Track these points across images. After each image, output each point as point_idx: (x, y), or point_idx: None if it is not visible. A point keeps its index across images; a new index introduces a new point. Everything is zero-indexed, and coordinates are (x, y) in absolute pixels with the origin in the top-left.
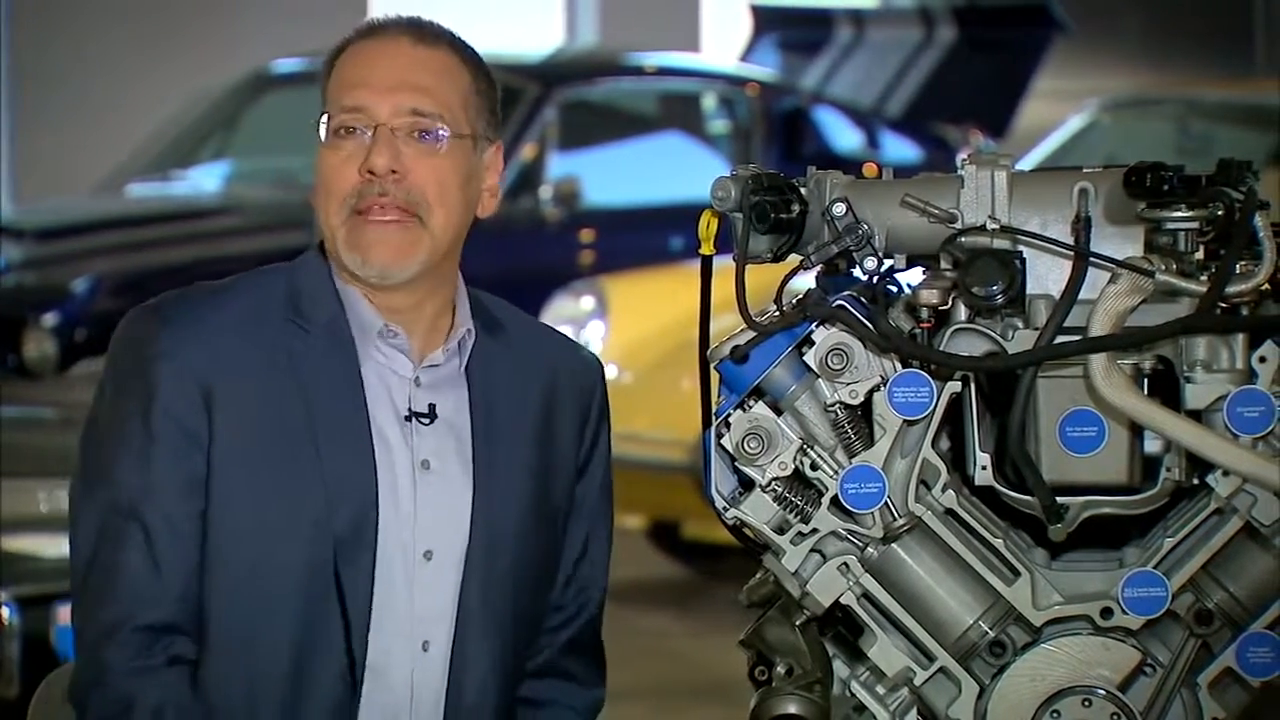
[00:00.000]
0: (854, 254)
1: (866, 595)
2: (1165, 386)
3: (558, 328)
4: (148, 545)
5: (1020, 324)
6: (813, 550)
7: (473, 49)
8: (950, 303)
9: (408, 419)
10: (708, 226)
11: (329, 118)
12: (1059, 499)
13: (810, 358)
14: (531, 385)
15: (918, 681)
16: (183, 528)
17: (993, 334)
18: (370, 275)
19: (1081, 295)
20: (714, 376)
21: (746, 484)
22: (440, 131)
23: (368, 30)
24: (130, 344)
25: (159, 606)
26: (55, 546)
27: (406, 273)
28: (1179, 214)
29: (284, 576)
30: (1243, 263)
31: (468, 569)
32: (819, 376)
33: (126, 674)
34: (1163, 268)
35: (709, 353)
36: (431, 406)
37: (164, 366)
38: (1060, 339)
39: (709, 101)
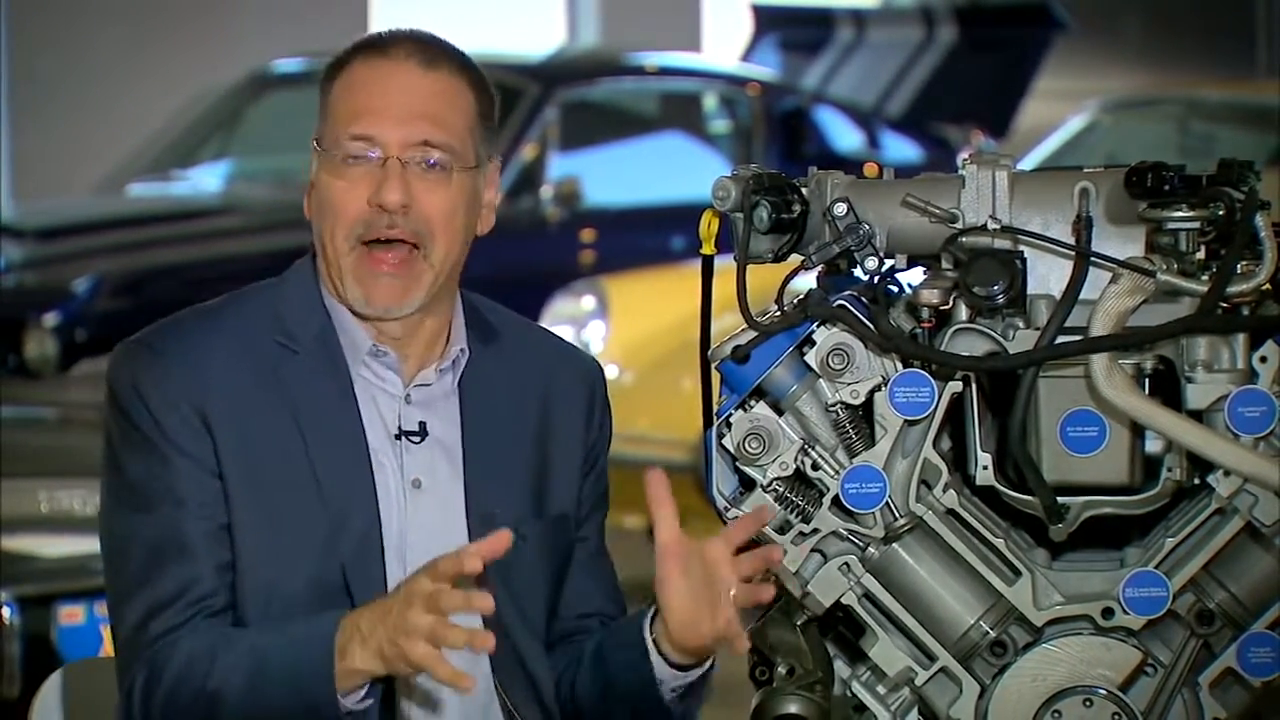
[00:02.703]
0: (855, 254)
1: (867, 595)
2: (1166, 386)
3: (558, 328)
4: (196, 566)
5: (1021, 324)
6: (814, 550)
7: (472, 63)
8: (951, 303)
9: (398, 437)
10: (708, 226)
11: (334, 141)
12: (1060, 499)
13: (811, 358)
14: (528, 394)
15: (919, 681)
16: (216, 533)
17: (994, 334)
18: (372, 314)
19: (1083, 295)
20: (715, 376)
21: (748, 484)
22: (451, 164)
23: (374, 48)
24: (124, 381)
25: (195, 620)
26: (56, 546)
27: (409, 309)
28: (1180, 214)
29: (293, 603)
30: (1244, 263)
31: (479, 584)
32: (820, 376)
33: (162, 636)
34: (1164, 268)
35: (710, 353)
36: (422, 424)
37: (160, 399)
38: (1061, 339)
39: (710, 101)
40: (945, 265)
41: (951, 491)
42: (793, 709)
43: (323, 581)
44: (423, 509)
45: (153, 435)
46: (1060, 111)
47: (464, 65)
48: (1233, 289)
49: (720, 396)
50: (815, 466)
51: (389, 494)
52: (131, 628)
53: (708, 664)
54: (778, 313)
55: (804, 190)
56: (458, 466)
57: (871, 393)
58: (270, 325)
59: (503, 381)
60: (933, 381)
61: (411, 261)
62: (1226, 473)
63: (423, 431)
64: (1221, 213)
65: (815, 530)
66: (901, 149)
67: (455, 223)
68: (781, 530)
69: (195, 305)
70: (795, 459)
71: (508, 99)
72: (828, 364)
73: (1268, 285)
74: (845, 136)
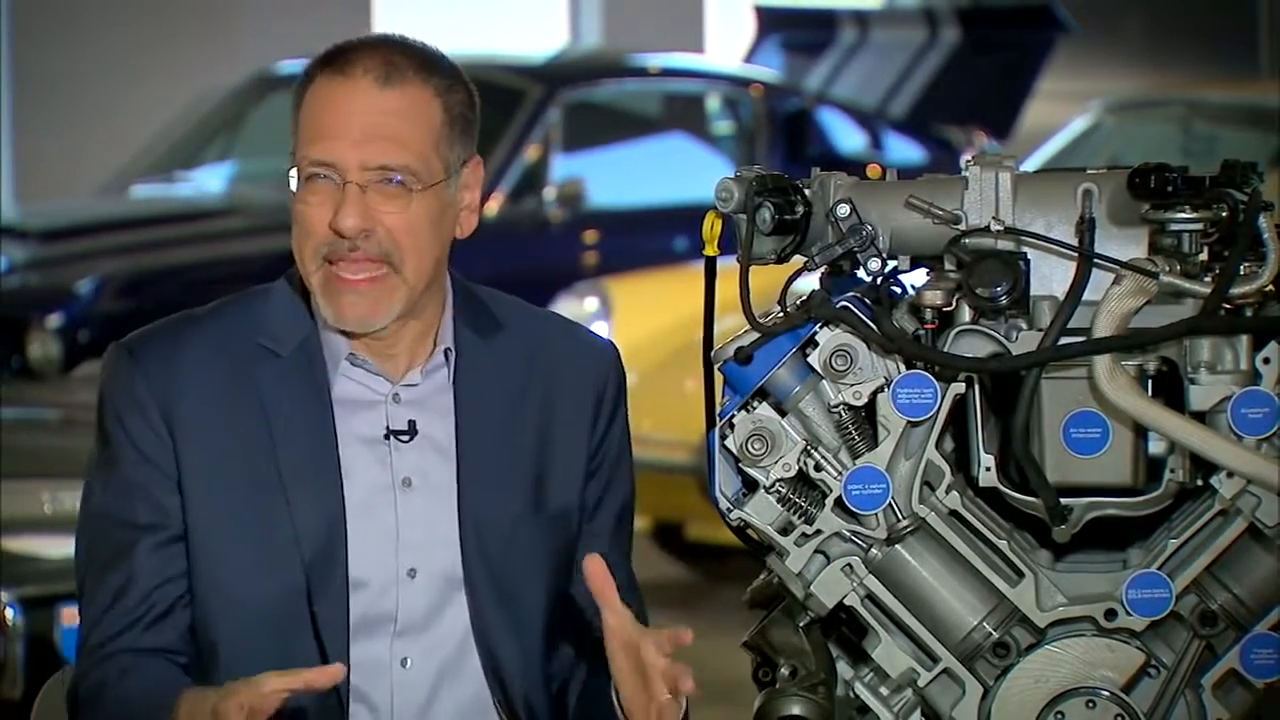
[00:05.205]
0: (858, 255)
1: (870, 596)
2: (1169, 388)
3: None
4: (129, 576)
5: (1024, 325)
6: (816, 551)
7: (440, 63)
8: (954, 304)
9: (386, 437)
10: (711, 228)
11: (300, 161)
12: (1063, 500)
13: (814, 359)
14: (531, 388)
15: (922, 683)
16: (166, 545)
17: (997, 335)
18: (346, 327)
19: (1086, 296)
20: (718, 378)
21: (750, 485)
22: (410, 182)
23: (334, 64)
24: (101, 384)
25: (132, 632)
26: (59, 547)
27: (381, 323)
28: (1183, 215)
29: (256, 606)
30: (1247, 264)
31: (467, 584)
32: (823, 378)
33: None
34: (1167, 269)
35: (713, 354)
36: (411, 423)
37: (127, 401)
38: (1064, 340)
39: (713, 103)
40: (948, 266)
41: (954, 493)
42: (795, 710)
43: (285, 585)
44: (414, 507)
45: (116, 438)
46: (1063, 113)
47: (429, 70)
48: (1236, 290)
49: (723, 398)
50: (818, 468)
51: (376, 495)
52: (82, 633)
53: None
54: (780, 314)
55: (807, 192)
56: (451, 464)
57: (874, 394)
58: (255, 328)
59: (502, 376)
60: (935, 383)
61: (382, 278)
62: (1229, 474)
63: (412, 430)
64: (1224, 214)
65: (818, 531)
66: (904, 150)
67: (422, 239)
68: (784, 531)
69: (187, 310)
70: (798, 460)
71: (510, 100)
72: (830, 365)
73: (1271, 286)
74: (848, 138)
